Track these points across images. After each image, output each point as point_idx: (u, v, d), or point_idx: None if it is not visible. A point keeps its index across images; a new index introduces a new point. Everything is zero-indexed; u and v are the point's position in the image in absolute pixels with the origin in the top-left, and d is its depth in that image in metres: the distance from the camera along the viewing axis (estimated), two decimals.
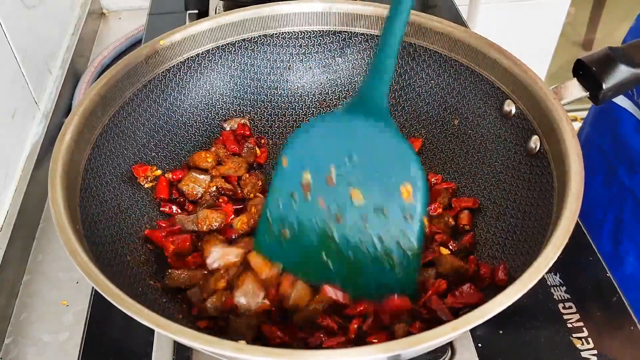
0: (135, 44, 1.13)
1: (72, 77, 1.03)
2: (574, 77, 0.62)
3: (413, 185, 0.49)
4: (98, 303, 0.64)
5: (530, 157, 0.63)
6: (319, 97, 0.81)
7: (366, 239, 0.52)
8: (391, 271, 0.52)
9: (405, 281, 0.52)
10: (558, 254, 0.47)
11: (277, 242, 0.56)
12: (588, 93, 0.61)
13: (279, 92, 0.81)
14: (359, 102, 0.52)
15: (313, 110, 0.81)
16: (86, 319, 0.63)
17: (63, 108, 0.97)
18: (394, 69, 0.53)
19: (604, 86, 0.59)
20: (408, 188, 0.49)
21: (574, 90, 0.61)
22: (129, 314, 0.44)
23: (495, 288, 0.55)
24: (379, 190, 0.50)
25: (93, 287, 0.65)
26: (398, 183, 0.49)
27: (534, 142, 0.62)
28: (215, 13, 1.10)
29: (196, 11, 1.13)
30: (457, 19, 1.10)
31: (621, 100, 0.87)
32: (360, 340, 0.53)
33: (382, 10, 0.74)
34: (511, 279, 0.51)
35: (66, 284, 0.74)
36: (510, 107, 0.66)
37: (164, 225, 0.66)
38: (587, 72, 0.61)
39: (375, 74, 0.52)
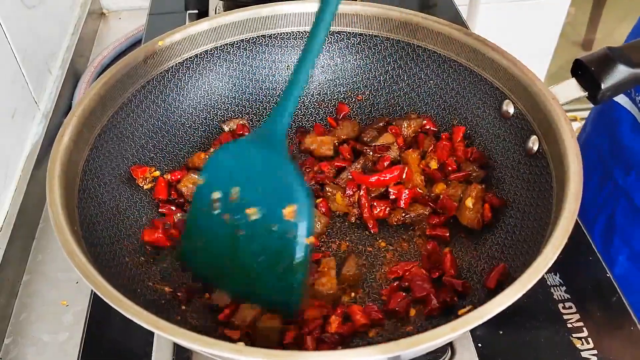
0: (135, 44, 1.13)
1: (72, 77, 1.03)
2: (572, 76, 0.62)
3: (297, 208, 0.55)
4: (98, 303, 0.64)
5: (529, 158, 0.63)
6: (317, 98, 0.81)
7: (260, 253, 0.58)
8: (279, 282, 0.57)
9: (290, 294, 0.57)
10: (557, 254, 0.47)
11: (194, 253, 0.62)
12: (587, 93, 0.61)
13: (278, 93, 0.80)
14: (262, 133, 0.59)
15: (312, 111, 0.81)
16: (86, 319, 0.63)
17: (63, 108, 0.97)
18: (305, 82, 0.58)
19: (603, 86, 0.59)
20: (291, 209, 0.55)
21: (573, 90, 0.61)
22: (127, 315, 0.44)
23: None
24: (271, 209, 0.57)
25: None
26: (284, 204, 0.56)
27: (533, 143, 0.62)
28: (215, 13, 1.10)
29: (196, 11, 1.13)
30: (457, 19, 1.10)
31: (620, 98, 0.87)
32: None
33: (381, 10, 0.74)
34: (511, 279, 0.51)
35: (66, 284, 0.74)
36: (508, 107, 0.66)
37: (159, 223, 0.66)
38: (585, 72, 0.60)
39: (280, 109, 0.58)
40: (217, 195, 0.59)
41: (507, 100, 0.66)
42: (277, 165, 0.57)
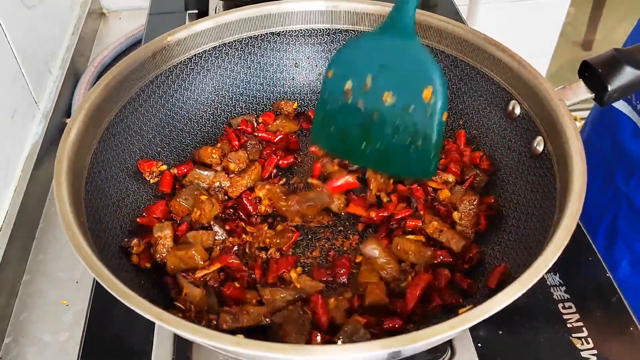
0: (135, 44, 1.13)
1: (72, 77, 1.03)
2: (579, 78, 0.62)
3: (433, 88, 0.59)
4: (98, 302, 0.64)
5: (534, 158, 0.62)
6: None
7: (395, 131, 0.62)
8: (415, 157, 0.62)
9: (426, 164, 0.62)
10: (558, 255, 0.47)
11: (327, 135, 0.68)
12: (593, 94, 0.61)
13: (285, 90, 0.81)
14: (390, 24, 0.61)
15: (313, 107, 0.81)
16: (86, 318, 0.63)
17: (63, 108, 0.97)
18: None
19: (610, 88, 0.59)
20: (429, 90, 0.59)
21: (580, 91, 0.61)
22: (132, 307, 0.44)
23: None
24: (406, 92, 0.60)
25: (93, 287, 0.66)
26: (421, 86, 0.59)
27: (538, 143, 0.62)
28: (215, 13, 1.10)
29: (196, 11, 1.13)
30: (457, 18, 1.10)
31: (620, 105, 0.87)
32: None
33: (388, 9, 0.74)
34: (511, 278, 0.51)
35: (66, 283, 0.74)
36: (515, 107, 0.66)
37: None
38: (592, 74, 0.60)
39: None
40: (349, 85, 0.63)
41: (513, 101, 0.66)
42: (409, 51, 0.60)
